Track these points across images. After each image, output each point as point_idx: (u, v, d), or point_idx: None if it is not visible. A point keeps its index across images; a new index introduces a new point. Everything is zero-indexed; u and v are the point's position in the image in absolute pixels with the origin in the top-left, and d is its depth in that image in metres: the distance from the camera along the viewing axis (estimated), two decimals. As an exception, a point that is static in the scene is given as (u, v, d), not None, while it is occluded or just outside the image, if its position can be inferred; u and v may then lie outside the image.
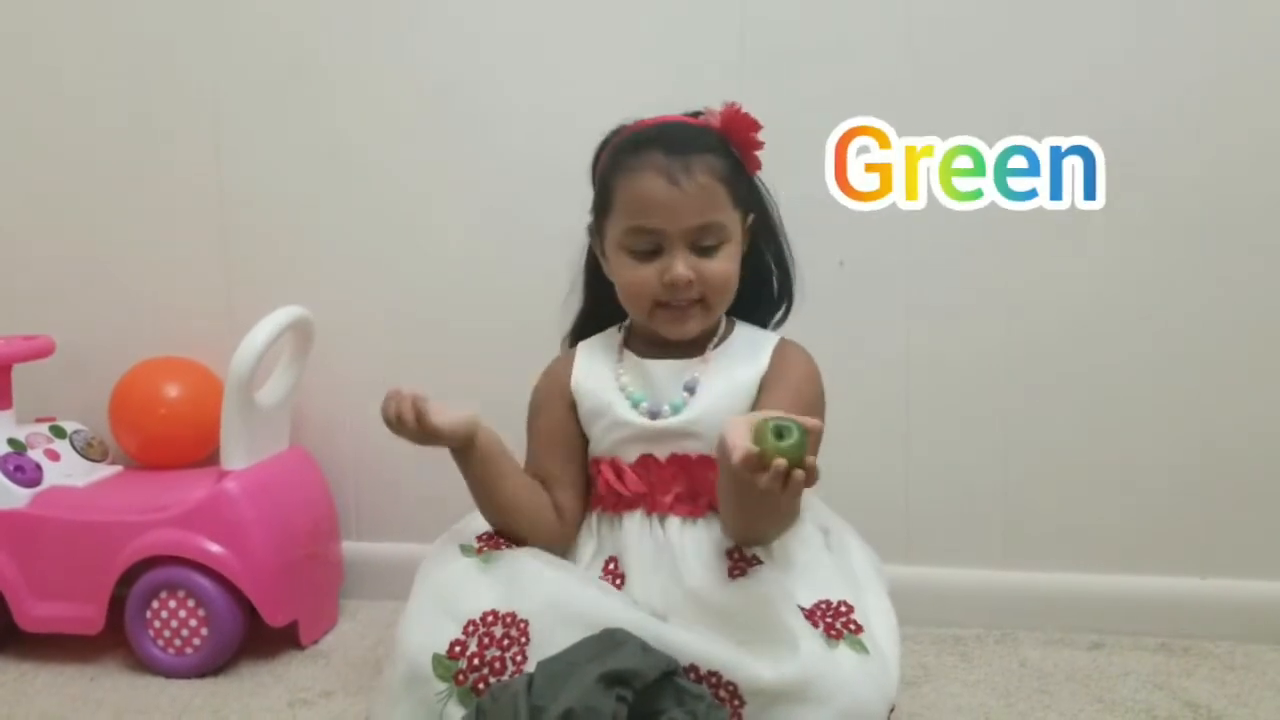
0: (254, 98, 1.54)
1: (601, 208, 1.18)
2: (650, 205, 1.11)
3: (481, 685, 1.02)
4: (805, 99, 1.38)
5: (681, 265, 1.11)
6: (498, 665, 1.02)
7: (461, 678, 1.02)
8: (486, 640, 1.04)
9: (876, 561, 1.17)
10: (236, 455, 1.36)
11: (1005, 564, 1.43)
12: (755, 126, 1.15)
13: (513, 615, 1.04)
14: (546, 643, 1.01)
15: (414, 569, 1.17)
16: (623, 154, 1.15)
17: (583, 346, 1.24)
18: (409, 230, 1.53)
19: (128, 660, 1.36)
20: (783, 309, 1.25)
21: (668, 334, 1.16)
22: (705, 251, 1.13)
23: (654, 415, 1.15)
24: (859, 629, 1.03)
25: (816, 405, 1.16)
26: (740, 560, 1.10)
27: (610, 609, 1.03)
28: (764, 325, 1.23)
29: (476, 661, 1.03)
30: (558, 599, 1.05)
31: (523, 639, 1.03)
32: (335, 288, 1.53)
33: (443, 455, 1.52)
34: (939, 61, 1.39)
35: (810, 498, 1.16)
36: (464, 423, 1.11)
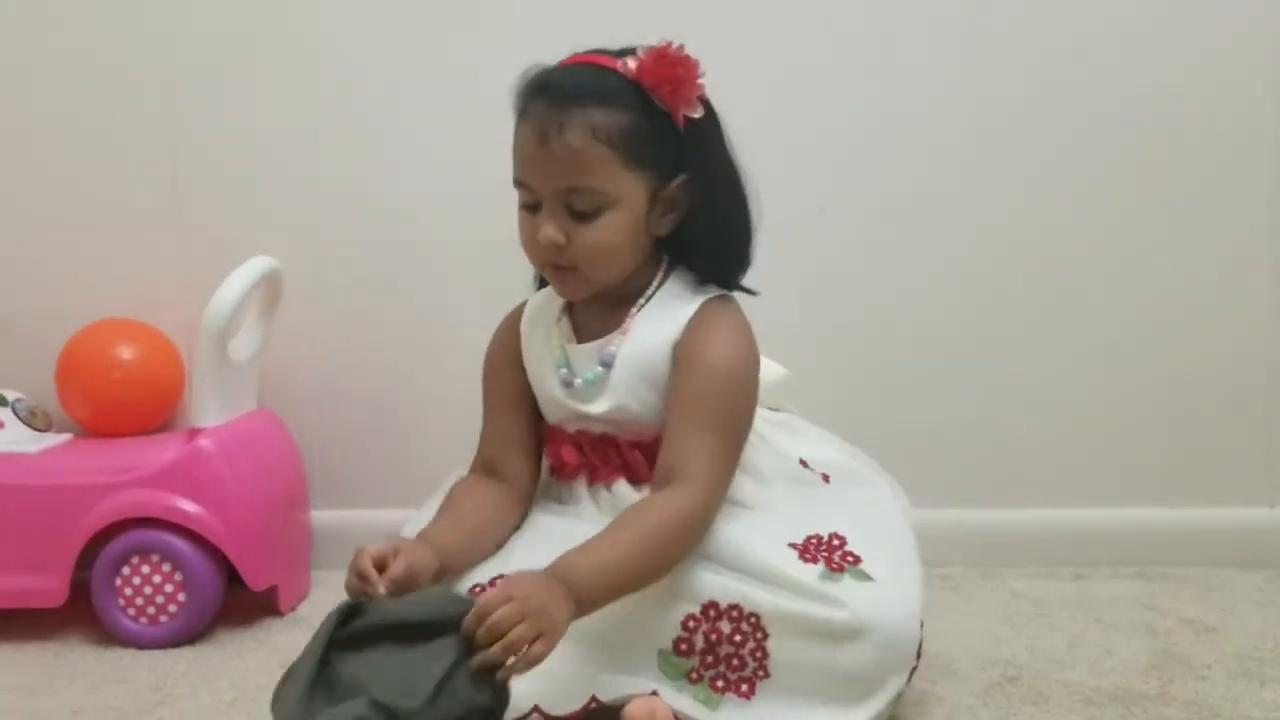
0: (209, 39, 1.46)
1: None
2: (523, 160, 1.01)
3: None
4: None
5: (550, 228, 1.00)
6: None
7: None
8: None
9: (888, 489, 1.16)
10: (209, 411, 1.28)
11: (983, 503, 1.45)
12: (683, 73, 0.99)
13: None
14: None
15: (383, 536, 1.11)
16: (521, 98, 1.03)
17: (530, 302, 1.14)
18: (370, 185, 1.47)
19: (91, 633, 1.27)
20: (734, 271, 1.09)
21: (559, 295, 1.08)
22: (582, 217, 1.00)
23: (568, 384, 1.06)
24: (857, 559, 1.01)
25: (727, 396, 1.02)
26: None
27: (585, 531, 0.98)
28: (724, 284, 1.08)
29: None
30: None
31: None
32: (295, 243, 1.46)
33: (409, 422, 1.48)
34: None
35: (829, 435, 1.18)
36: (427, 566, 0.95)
